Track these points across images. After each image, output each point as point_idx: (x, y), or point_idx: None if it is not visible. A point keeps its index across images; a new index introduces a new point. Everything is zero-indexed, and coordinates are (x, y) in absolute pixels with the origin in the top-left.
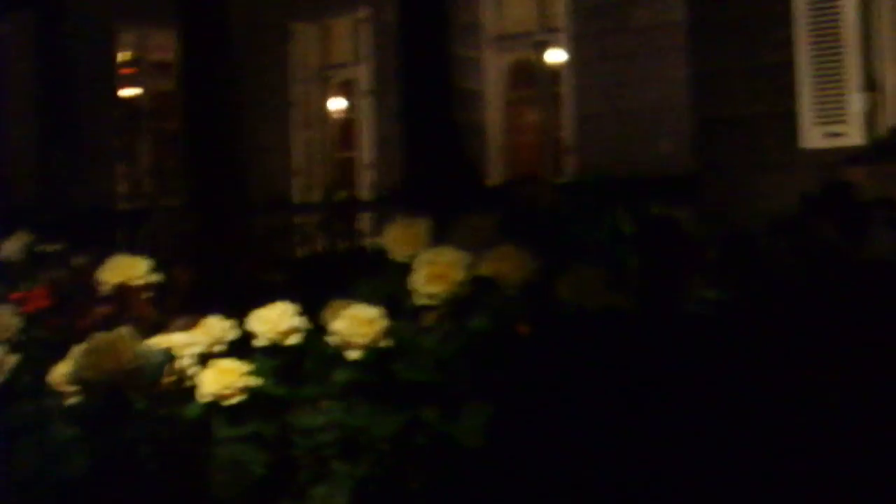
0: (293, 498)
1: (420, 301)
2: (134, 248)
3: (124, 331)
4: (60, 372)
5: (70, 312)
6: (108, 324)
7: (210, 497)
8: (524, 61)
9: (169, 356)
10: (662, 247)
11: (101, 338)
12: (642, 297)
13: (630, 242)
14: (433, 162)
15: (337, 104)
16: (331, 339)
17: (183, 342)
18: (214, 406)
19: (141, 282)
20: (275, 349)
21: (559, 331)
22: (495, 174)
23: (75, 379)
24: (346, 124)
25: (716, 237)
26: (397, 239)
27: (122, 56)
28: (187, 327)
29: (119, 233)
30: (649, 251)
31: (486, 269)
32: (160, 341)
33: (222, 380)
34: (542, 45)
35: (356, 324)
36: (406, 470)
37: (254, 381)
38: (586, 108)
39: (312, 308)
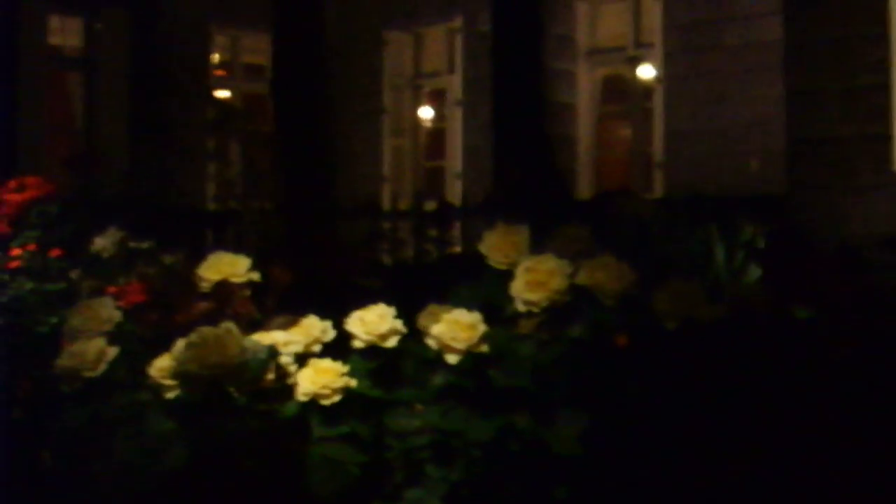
0: (387, 499)
1: (519, 308)
2: (222, 249)
3: (230, 326)
4: (160, 365)
5: (166, 308)
6: (207, 320)
7: (306, 494)
8: (616, 76)
9: (273, 353)
10: (793, 258)
11: (206, 332)
12: (751, 309)
13: (758, 254)
14: (523, 173)
15: (428, 113)
16: (430, 343)
17: (282, 340)
18: (312, 405)
19: (241, 280)
20: (372, 351)
21: (657, 342)
22: (584, 188)
23: (178, 372)
24: (436, 133)
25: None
26: (496, 245)
27: (215, 57)
28: (286, 326)
29: (207, 232)
30: (779, 262)
31: (584, 278)
32: (260, 339)
33: (320, 379)
34: (635, 61)
35: (456, 328)
36: (499, 475)
37: (351, 382)
38: (677, 125)
39: (407, 313)
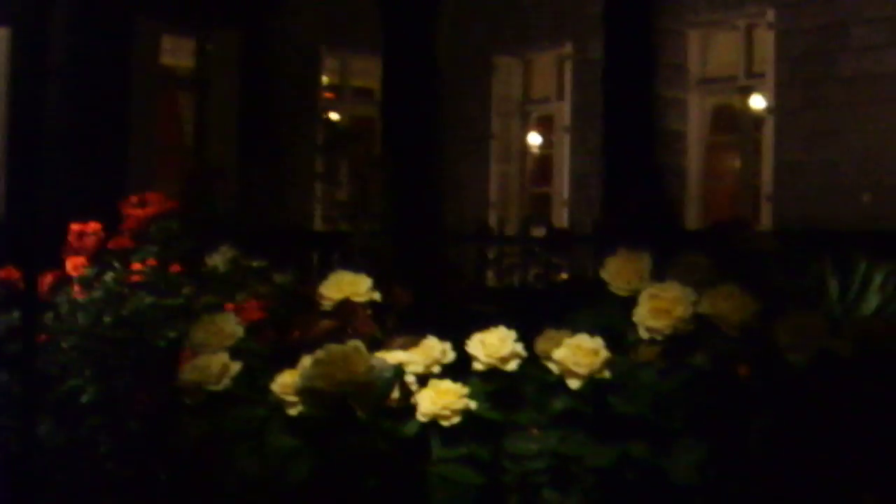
0: None
1: (641, 334)
2: (330, 269)
3: (357, 344)
4: (283, 381)
5: (283, 325)
6: (329, 338)
7: None
8: (727, 105)
9: (399, 373)
10: None
11: (334, 349)
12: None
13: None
14: (632, 201)
15: (535, 139)
16: (550, 367)
17: (404, 360)
18: (432, 425)
19: (362, 299)
20: (492, 374)
21: (780, 374)
22: (693, 217)
23: (304, 388)
24: (544, 159)
25: None
26: (618, 271)
27: (324, 80)
28: (407, 346)
29: (315, 252)
30: None
31: (707, 307)
32: (383, 358)
33: (441, 400)
34: (747, 90)
35: (578, 353)
36: (616, 502)
37: (471, 404)
38: (788, 156)
39: (523, 337)
